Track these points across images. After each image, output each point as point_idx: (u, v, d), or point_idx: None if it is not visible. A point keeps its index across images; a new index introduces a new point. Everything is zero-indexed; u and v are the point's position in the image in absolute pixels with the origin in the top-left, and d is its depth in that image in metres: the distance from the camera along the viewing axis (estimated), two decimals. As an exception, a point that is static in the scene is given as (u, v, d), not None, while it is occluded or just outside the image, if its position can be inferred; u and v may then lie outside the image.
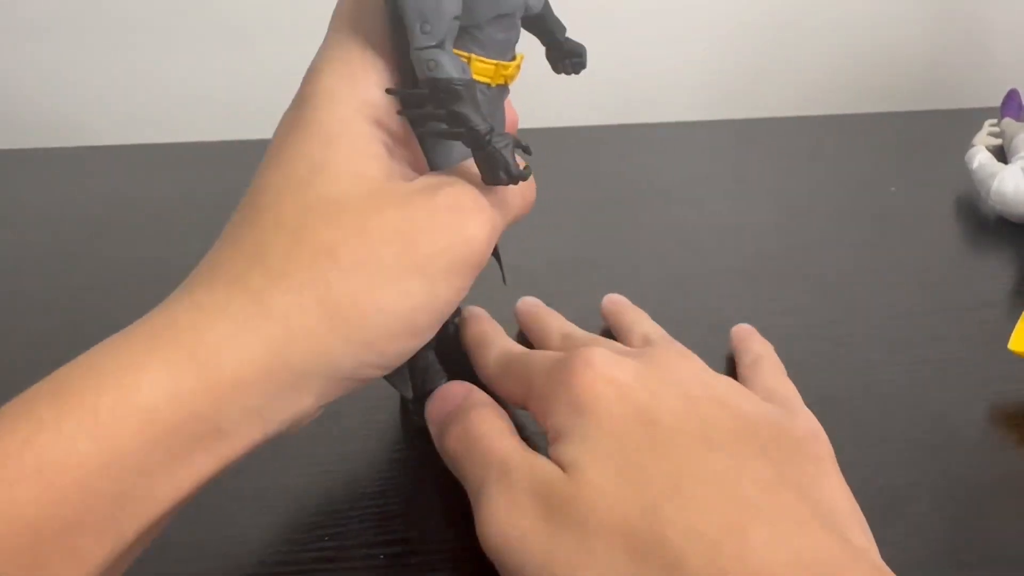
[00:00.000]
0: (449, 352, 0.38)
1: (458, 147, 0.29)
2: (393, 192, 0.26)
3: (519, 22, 0.30)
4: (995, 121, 0.57)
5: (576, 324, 0.40)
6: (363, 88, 0.27)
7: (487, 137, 0.26)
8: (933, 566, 0.29)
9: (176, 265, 0.47)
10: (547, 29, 0.33)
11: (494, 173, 0.27)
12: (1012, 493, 0.32)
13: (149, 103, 0.68)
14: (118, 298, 0.43)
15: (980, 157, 0.52)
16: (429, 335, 0.27)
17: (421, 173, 0.29)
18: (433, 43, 0.26)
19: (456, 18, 0.27)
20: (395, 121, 0.28)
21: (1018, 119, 0.58)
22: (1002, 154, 0.54)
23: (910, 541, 0.30)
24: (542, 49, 0.34)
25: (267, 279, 0.24)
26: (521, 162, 0.28)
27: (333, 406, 0.35)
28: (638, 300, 0.40)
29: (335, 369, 0.25)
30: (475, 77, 0.29)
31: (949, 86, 0.77)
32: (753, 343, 0.36)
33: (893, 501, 0.31)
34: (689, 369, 0.30)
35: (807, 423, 0.29)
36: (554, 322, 0.37)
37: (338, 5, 0.29)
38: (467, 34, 0.28)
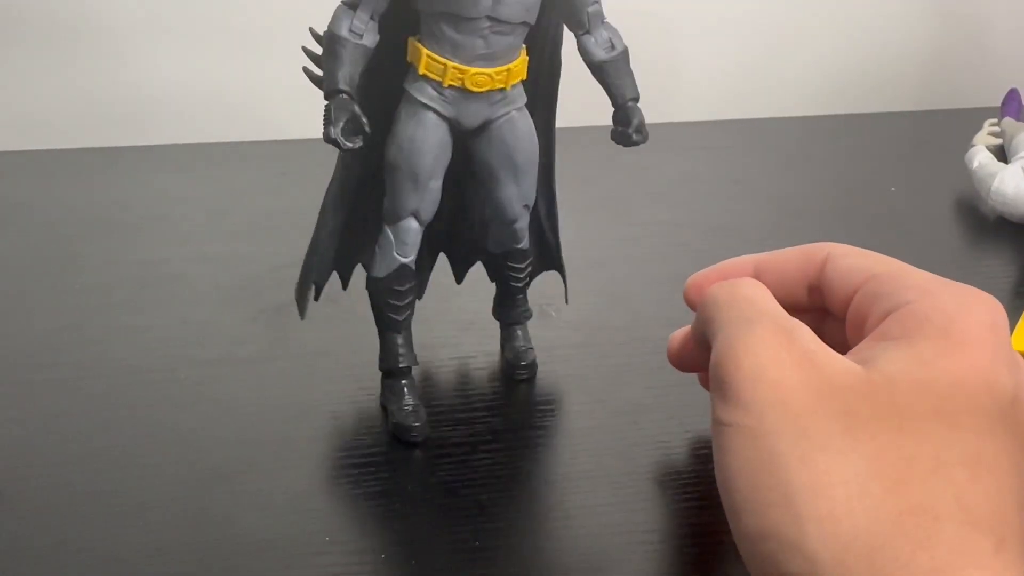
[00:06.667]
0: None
1: (427, 128, 0.31)
2: None
3: (487, 32, 0.29)
4: (995, 121, 0.57)
5: (575, 326, 0.40)
6: None
7: (327, 95, 0.29)
8: (933, 566, 0.29)
9: (177, 265, 0.48)
10: (609, 87, 0.32)
11: (324, 127, 0.29)
12: (1012, 493, 0.32)
13: (149, 105, 0.68)
14: (119, 298, 0.43)
15: (980, 157, 0.52)
16: None
17: None
18: (348, 1, 0.29)
19: None
20: None
21: (1018, 119, 0.58)
22: (1002, 154, 0.54)
23: (910, 541, 0.29)
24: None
25: None
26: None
27: (330, 406, 0.36)
28: (638, 300, 0.40)
29: None
30: (423, 72, 0.30)
31: (949, 86, 0.77)
32: None
33: (893, 501, 0.31)
34: None
35: None
36: None
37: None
38: (424, 22, 0.30)
